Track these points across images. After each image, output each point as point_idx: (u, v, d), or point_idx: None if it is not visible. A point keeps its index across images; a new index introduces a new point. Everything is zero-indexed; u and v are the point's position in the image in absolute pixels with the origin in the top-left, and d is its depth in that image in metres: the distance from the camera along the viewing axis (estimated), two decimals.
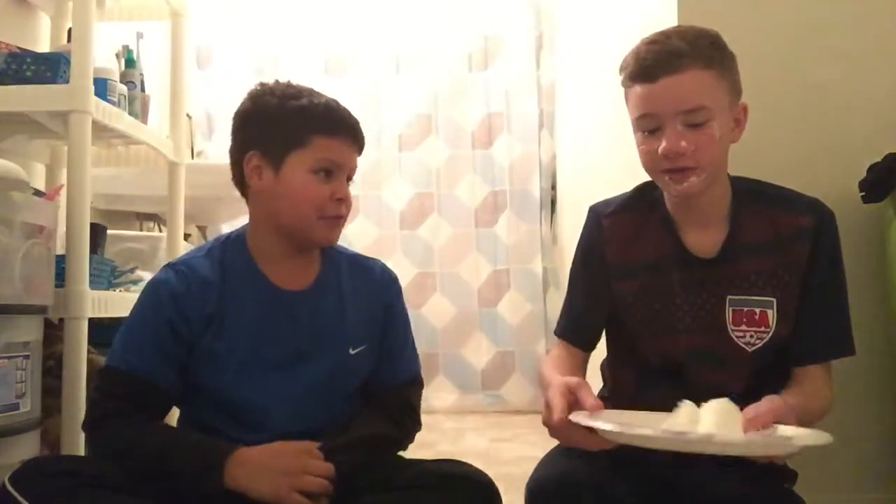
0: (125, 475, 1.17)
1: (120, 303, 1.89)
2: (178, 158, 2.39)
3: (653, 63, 1.17)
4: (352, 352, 1.33)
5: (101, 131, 1.95)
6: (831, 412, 1.72)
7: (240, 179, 1.33)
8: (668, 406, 1.18)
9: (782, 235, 1.24)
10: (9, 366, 1.50)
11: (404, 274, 3.72)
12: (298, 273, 1.34)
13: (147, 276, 2.12)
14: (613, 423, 1.00)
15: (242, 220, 1.38)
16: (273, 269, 1.33)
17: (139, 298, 1.32)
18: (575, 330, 1.39)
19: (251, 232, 1.35)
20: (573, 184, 3.42)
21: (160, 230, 2.97)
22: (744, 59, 1.88)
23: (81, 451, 1.60)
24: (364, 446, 1.25)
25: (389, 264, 1.45)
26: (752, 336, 1.25)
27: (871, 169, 1.69)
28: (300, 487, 1.14)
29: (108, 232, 2.12)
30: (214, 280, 1.30)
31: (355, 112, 1.34)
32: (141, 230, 3.00)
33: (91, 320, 1.77)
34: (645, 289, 1.29)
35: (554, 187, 3.85)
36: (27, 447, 1.56)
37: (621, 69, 1.24)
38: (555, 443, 1.19)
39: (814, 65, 1.84)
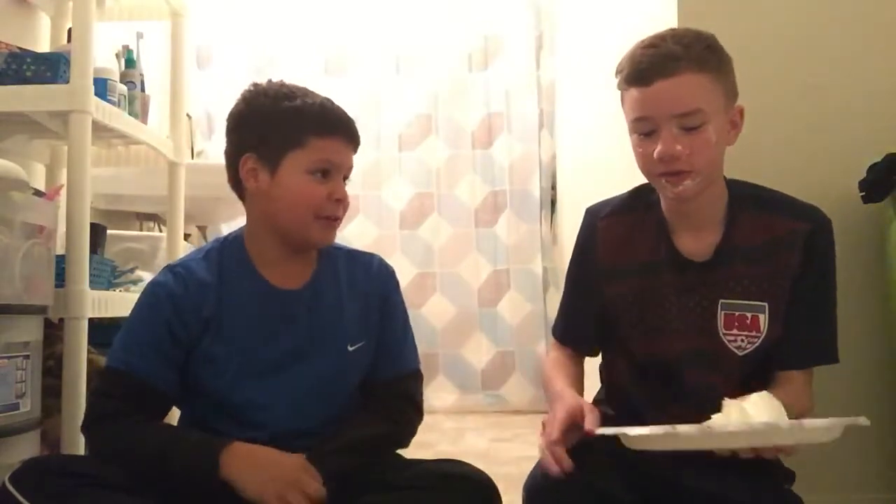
0: (125, 475, 1.17)
1: (120, 303, 1.89)
2: (178, 158, 2.39)
3: (648, 66, 1.17)
4: (350, 349, 1.33)
5: (101, 131, 1.95)
6: (830, 412, 1.72)
7: (235, 181, 1.33)
8: (661, 406, 1.19)
9: (776, 241, 1.24)
10: (9, 366, 1.50)
11: (404, 274, 3.72)
12: (295, 272, 1.34)
13: (147, 276, 2.13)
14: (650, 429, 1.02)
15: (242, 220, 1.38)
16: (270, 269, 1.33)
17: (138, 300, 1.32)
18: (570, 331, 1.41)
19: (248, 233, 1.35)
20: (573, 184, 3.42)
21: (160, 230, 2.97)
22: (744, 59, 1.88)
23: (81, 451, 1.60)
24: (357, 450, 1.25)
25: (389, 264, 1.44)
26: (743, 340, 1.25)
27: (871, 169, 1.69)
28: (285, 501, 1.14)
29: (108, 232, 2.12)
30: (212, 282, 1.30)
31: (355, 112, 1.34)
32: (141, 230, 3.00)
33: (91, 320, 1.77)
34: (637, 291, 1.29)
35: (554, 187, 3.85)
36: (27, 447, 1.57)
37: (617, 72, 1.24)
38: None
39: (814, 65, 1.84)
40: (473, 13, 3.90)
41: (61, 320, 1.75)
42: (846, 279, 1.78)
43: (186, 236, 2.66)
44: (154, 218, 3.08)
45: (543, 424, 1.18)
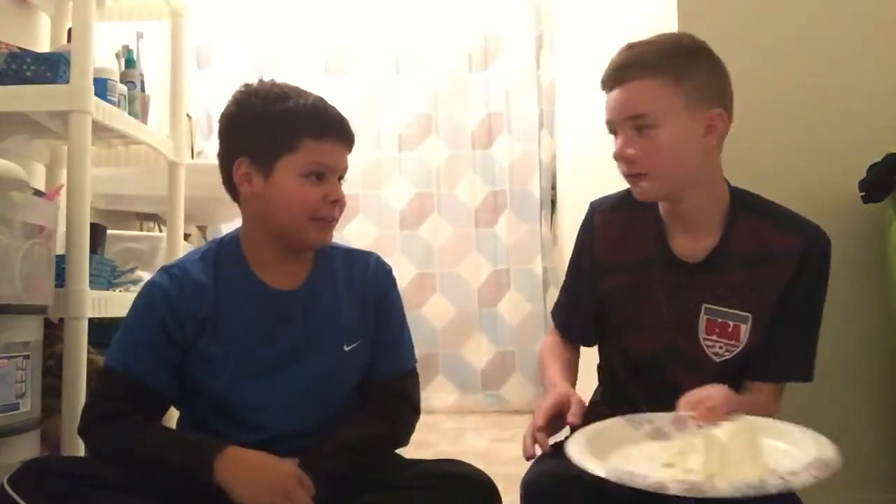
0: (124, 475, 1.17)
1: (120, 303, 1.89)
2: (178, 158, 2.39)
3: (609, 73, 1.23)
4: (346, 348, 1.33)
5: (101, 131, 1.95)
6: (829, 413, 1.72)
7: (229, 184, 1.32)
8: (655, 403, 1.19)
9: (769, 252, 1.24)
10: (9, 366, 1.50)
11: (404, 274, 3.72)
12: (291, 272, 1.34)
13: (147, 276, 2.12)
14: (602, 467, 1.03)
15: (241, 220, 1.38)
16: (266, 270, 1.32)
17: (135, 301, 1.32)
18: (569, 322, 1.43)
19: (244, 234, 1.35)
20: (573, 184, 3.42)
21: (160, 230, 2.97)
22: (744, 59, 1.88)
23: (81, 452, 1.60)
24: (354, 450, 1.25)
25: (389, 265, 1.44)
26: (720, 347, 1.26)
27: (871, 169, 1.69)
28: None
29: (108, 232, 2.12)
30: (208, 283, 1.30)
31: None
32: (141, 230, 3.00)
33: (91, 320, 1.77)
34: (629, 286, 1.31)
35: (554, 187, 3.84)
36: (27, 447, 1.56)
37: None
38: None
39: (814, 65, 1.84)
40: (473, 13, 3.90)
41: (61, 320, 1.75)
42: (846, 279, 1.79)
43: (186, 236, 2.66)
44: (154, 218, 3.08)
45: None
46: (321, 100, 1.30)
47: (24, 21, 2.32)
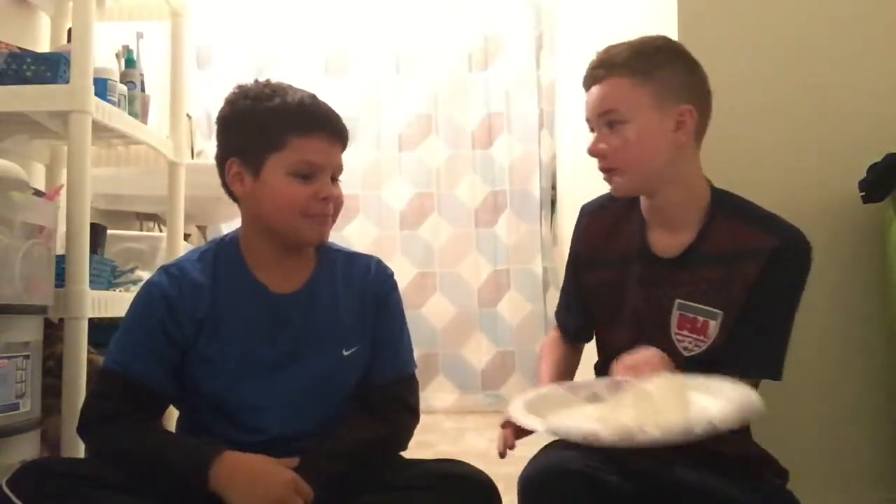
0: (124, 476, 1.17)
1: (120, 303, 1.89)
2: (178, 158, 2.39)
3: (586, 73, 1.29)
4: (345, 353, 1.32)
5: (101, 131, 1.95)
6: (830, 413, 1.72)
7: (226, 184, 1.32)
8: None
9: (743, 250, 1.25)
10: (9, 366, 1.50)
11: (404, 274, 3.72)
12: (291, 275, 1.34)
13: (147, 276, 2.12)
14: (540, 423, 1.09)
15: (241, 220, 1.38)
16: (265, 271, 1.32)
17: (133, 301, 1.32)
18: (564, 319, 1.49)
19: (243, 234, 1.35)
20: (573, 184, 3.42)
21: (160, 230, 2.97)
22: (744, 59, 1.88)
23: (81, 452, 1.60)
24: (352, 454, 1.24)
25: (390, 265, 1.44)
26: (690, 342, 1.28)
27: (871, 169, 1.69)
28: None
29: (108, 232, 2.12)
30: (206, 283, 1.30)
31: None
32: (141, 230, 3.00)
33: (91, 320, 1.77)
34: (610, 281, 1.35)
35: (554, 187, 3.84)
36: (27, 447, 1.56)
37: None
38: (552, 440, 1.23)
39: (814, 65, 1.84)
40: (473, 13, 3.90)
41: (61, 320, 1.75)
42: (846, 279, 1.79)
43: (186, 236, 2.66)
44: (154, 218, 3.08)
45: None
46: (311, 97, 1.29)
47: (24, 21, 2.32)
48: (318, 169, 1.27)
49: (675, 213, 1.29)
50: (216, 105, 1.34)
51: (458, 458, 1.29)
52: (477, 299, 3.81)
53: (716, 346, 1.26)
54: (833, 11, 1.85)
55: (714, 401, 1.09)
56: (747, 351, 1.24)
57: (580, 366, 1.49)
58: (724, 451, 1.23)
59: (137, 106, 2.17)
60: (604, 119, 1.26)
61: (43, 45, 2.33)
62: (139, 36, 2.27)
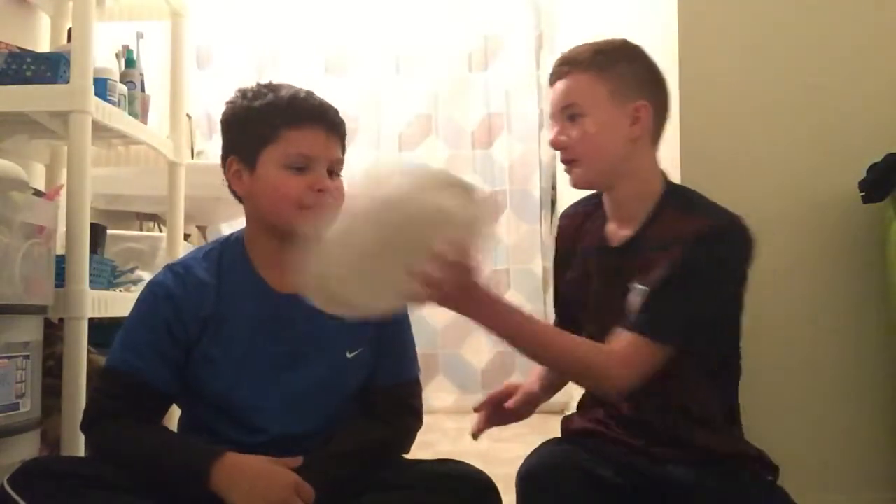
0: (125, 475, 1.17)
1: (120, 303, 1.89)
2: (178, 158, 2.39)
3: (552, 72, 1.36)
4: (349, 355, 1.32)
5: (101, 131, 1.95)
6: (829, 412, 1.72)
7: (230, 184, 1.34)
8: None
9: (678, 236, 1.25)
10: (9, 366, 1.50)
11: None
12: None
13: (147, 276, 2.12)
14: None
15: (243, 220, 1.38)
16: (270, 270, 1.32)
17: (138, 299, 1.32)
18: (559, 322, 1.50)
19: (247, 234, 1.35)
20: None
21: (160, 230, 2.97)
22: (744, 59, 1.88)
23: (81, 452, 1.60)
24: (354, 457, 1.24)
25: None
26: None
27: (871, 169, 1.69)
28: None
29: (108, 232, 2.12)
30: (211, 282, 1.30)
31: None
32: (141, 230, 3.00)
33: (91, 320, 1.77)
34: (577, 277, 1.40)
35: (554, 187, 3.84)
36: (27, 447, 1.56)
37: None
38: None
39: (814, 65, 1.83)
40: (473, 13, 3.90)
41: (61, 320, 1.75)
42: (846, 279, 1.79)
43: (186, 236, 2.65)
44: (154, 218, 3.08)
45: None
46: (306, 92, 1.31)
47: (24, 21, 2.32)
48: (311, 161, 1.27)
49: (630, 206, 1.33)
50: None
51: (458, 458, 1.29)
52: None
53: None
54: (833, 11, 1.84)
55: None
56: (645, 310, 1.22)
57: None
58: (716, 448, 1.25)
59: (137, 106, 2.17)
60: (566, 113, 1.32)
61: (43, 45, 2.33)
62: (139, 36, 2.27)
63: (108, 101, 1.94)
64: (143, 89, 2.24)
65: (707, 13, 1.84)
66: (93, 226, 1.84)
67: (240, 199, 1.35)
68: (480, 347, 3.77)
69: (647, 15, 2.08)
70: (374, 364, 1.35)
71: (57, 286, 1.69)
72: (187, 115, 2.69)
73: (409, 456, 1.34)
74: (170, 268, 1.33)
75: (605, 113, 1.30)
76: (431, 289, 1.08)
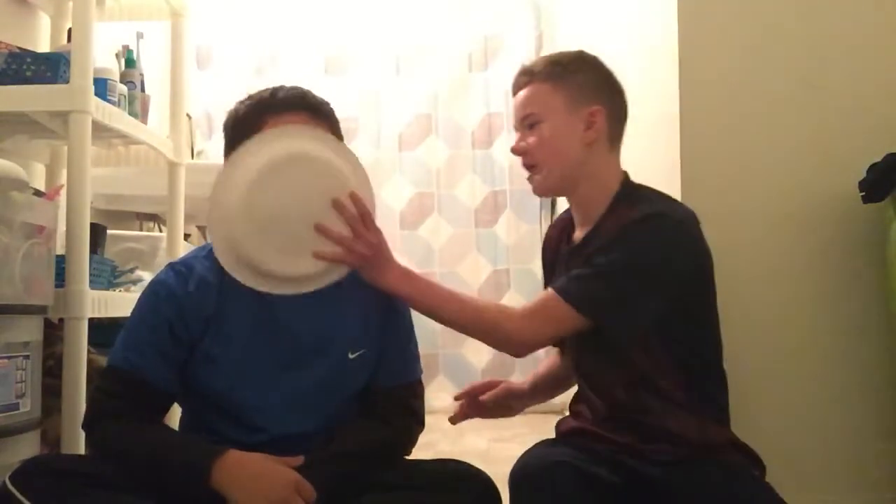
0: (125, 474, 1.17)
1: (120, 303, 1.89)
2: (178, 158, 2.39)
3: (513, 83, 1.43)
4: (351, 356, 1.32)
5: (101, 131, 1.95)
6: (831, 411, 1.72)
7: None
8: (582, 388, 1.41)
9: (620, 227, 1.29)
10: (9, 366, 1.50)
11: None
12: None
13: (147, 276, 2.13)
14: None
15: None
16: None
17: (140, 298, 1.32)
18: None
19: None
20: None
21: (160, 230, 2.97)
22: (744, 59, 1.88)
23: (81, 451, 1.60)
24: (355, 457, 1.24)
25: None
26: None
27: (871, 169, 1.69)
28: None
29: (108, 232, 2.12)
30: (213, 281, 1.29)
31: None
32: (141, 230, 3.00)
33: (91, 320, 1.77)
34: (558, 277, 1.40)
35: None
36: (27, 447, 1.57)
37: None
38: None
39: (814, 65, 1.84)
40: (473, 13, 3.90)
41: (61, 320, 1.75)
42: (846, 279, 1.79)
43: (186, 236, 2.66)
44: (154, 218, 3.08)
45: None
46: (293, 87, 1.32)
47: (24, 21, 2.32)
48: None
49: (590, 207, 1.37)
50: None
51: (458, 458, 1.29)
52: None
53: None
54: (833, 12, 1.84)
55: None
56: (565, 279, 1.29)
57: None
58: (706, 445, 1.26)
59: (137, 106, 2.17)
60: (526, 122, 1.38)
61: (43, 45, 2.33)
62: (139, 36, 2.27)
63: (108, 101, 1.94)
64: (143, 89, 2.24)
65: (707, 13, 1.84)
66: (93, 226, 1.84)
67: None
68: (481, 347, 3.77)
69: (647, 15, 2.08)
70: (377, 365, 1.35)
71: (57, 286, 1.70)
72: (187, 115, 2.69)
73: (409, 456, 1.34)
74: (172, 267, 1.33)
75: (561, 119, 1.35)
76: (344, 246, 1.20)
